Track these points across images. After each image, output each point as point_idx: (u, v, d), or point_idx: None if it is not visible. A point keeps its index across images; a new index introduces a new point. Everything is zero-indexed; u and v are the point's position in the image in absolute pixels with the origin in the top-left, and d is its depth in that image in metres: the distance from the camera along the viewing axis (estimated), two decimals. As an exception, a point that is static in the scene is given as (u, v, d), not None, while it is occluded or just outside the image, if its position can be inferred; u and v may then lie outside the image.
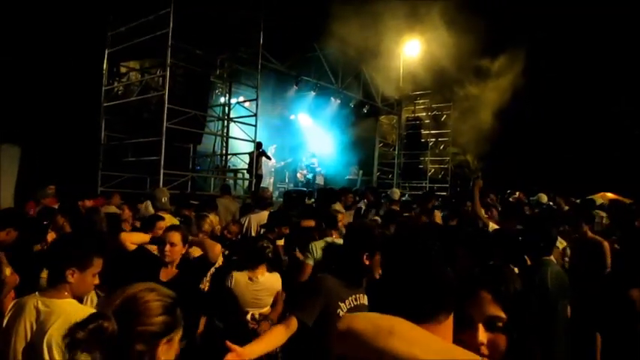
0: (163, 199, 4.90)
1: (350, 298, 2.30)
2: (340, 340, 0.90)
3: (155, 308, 1.31)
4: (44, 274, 2.81)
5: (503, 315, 1.17)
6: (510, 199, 9.50)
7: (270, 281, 3.40)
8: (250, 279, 3.32)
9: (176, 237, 2.96)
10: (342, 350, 0.91)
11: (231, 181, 10.87)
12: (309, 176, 14.97)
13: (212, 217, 4.22)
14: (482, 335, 1.13)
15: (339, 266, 2.42)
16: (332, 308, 2.21)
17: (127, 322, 1.24)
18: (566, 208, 8.00)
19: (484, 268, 1.31)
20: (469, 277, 1.24)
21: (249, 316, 3.28)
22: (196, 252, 3.23)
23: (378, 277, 2.36)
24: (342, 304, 2.25)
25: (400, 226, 4.39)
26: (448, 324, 1.04)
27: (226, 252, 4.00)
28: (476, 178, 5.55)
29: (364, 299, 2.36)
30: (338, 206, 6.29)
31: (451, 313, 1.06)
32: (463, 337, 1.13)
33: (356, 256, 2.33)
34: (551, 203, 8.90)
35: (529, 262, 3.12)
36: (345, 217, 5.24)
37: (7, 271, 3.05)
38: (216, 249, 3.13)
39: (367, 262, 2.32)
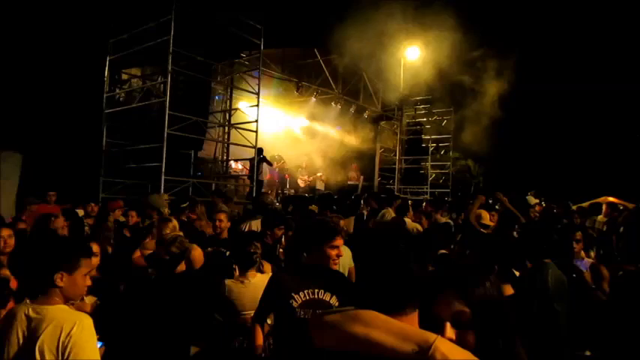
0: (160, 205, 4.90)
1: (306, 291, 2.49)
2: (317, 331, 1.06)
3: None
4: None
5: (467, 310, 1.21)
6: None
7: (262, 282, 3.41)
8: (242, 282, 3.34)
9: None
10: (321, 342, 1.06)
11: (232, 187, 10.85)
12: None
13: (175, 222, 4.23)
14: (450, 332, 1.18)
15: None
16: (285, 299, 2.48)
17: None
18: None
19: (448, 268, 1.40)
20: (435, 278, 1.31)
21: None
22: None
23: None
24: (295, 295, 2.47)
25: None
26: (414, 315, 1.14)
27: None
28: (479, 193, 5.85)
29: (326, 296, 2.49)
30: (390, 211, 6.46)
31: (417, 305, 1.15)
32: None
33: (295, 253, 2.70)
34: None
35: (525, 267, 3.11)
36: (346, 224, 5.23)
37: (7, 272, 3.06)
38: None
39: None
